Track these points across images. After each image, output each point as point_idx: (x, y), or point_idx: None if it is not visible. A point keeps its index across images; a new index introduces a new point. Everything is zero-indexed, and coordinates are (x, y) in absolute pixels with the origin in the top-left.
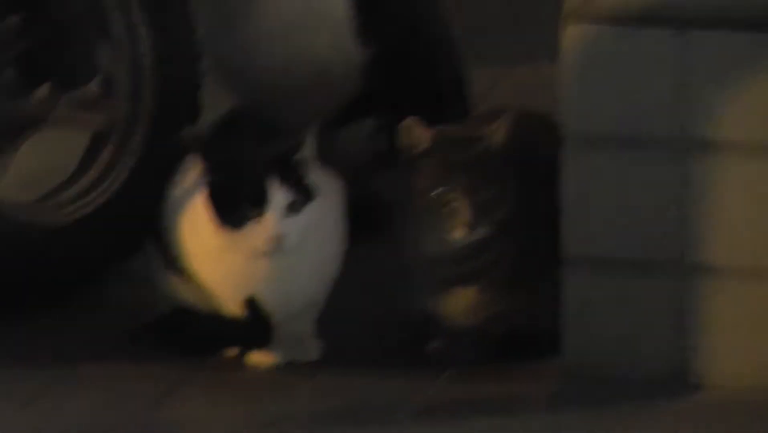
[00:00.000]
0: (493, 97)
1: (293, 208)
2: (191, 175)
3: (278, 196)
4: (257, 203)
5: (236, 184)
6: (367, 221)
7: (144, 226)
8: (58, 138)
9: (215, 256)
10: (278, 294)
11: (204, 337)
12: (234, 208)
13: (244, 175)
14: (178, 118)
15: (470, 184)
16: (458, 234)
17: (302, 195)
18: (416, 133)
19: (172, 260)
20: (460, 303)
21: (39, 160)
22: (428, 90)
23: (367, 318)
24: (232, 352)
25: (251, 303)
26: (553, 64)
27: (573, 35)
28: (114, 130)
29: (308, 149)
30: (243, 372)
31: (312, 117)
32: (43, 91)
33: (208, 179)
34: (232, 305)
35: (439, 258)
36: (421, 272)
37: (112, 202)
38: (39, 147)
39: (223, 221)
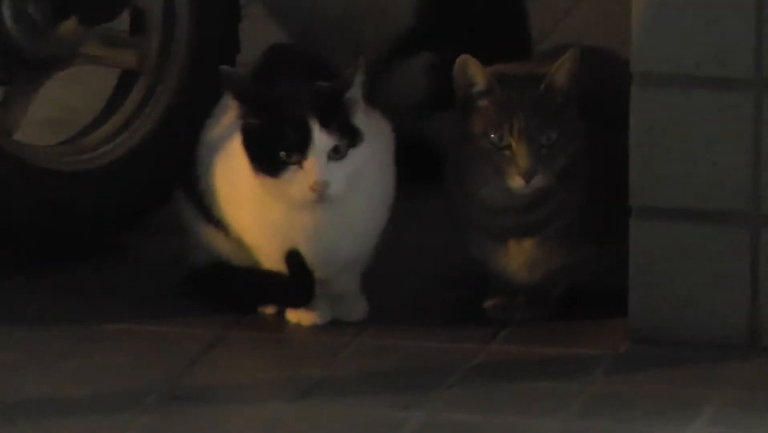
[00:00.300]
0: (558, 32)
1: (338, 152)
2: (228, 117)
3: (321, 139)
4: (299, 148)
5: (276, 127)
6: (418, 167)
7: (177, 172)
8: (84, 76)
9: (253, 206)
10: (321, 247)
11: (241, 293)
12: (273, 153)
13: (285, 117)
14: (215, 55)
15: (529, 129)
16: (515, 183)
17: (348, 138)
18: (472, 72)
19: (206, 211)
20: (518, 257)
21: (64, 101)
22: (486, 24)
23: (417, 273)
24: (271, 310)
25: (293, 257)
26: None
27: None
28: (144, 68)
29: (355, 88)
30: (282, 332)
31: (360, 52)
32: (68, 25)
33: (245, 122)
34: (271, 259)
35: (496, 208)
36: (477, 223)
37: (142, 147)
38: (64, 86)
39: (261, 168)
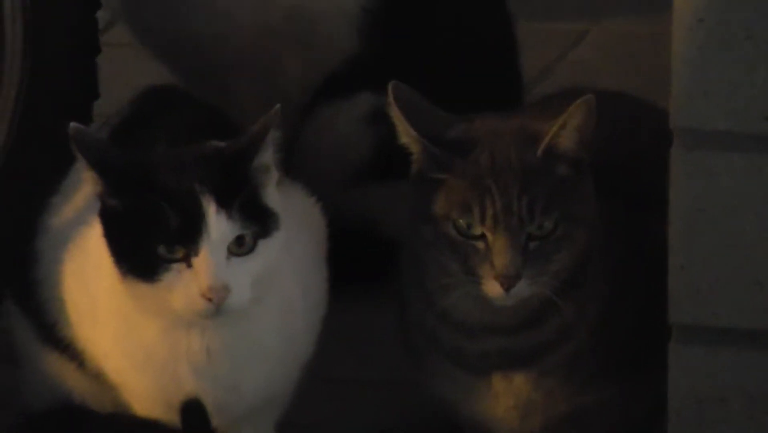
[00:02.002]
0: (560, 70)
1: (242, 245)
2: (81, 194)
3: (219, 225)
4: (185, 238)
5: (152, 210)
6: (360, 265)
7: (5, 275)
8: None
9: (118, 324)
10: (216, 385)
11: None
12: (148, 247)
13: (165, 195)
14: (61, 102)
15: (511, 213)
16: (491, 290)
17: (257, 225)
18: (392, 116)
19: (49, 331)
20: (505, 398)
21: None
22: (459, 54)
23: (356, 422)
24: None
25: (191, 408)
26: (660, 17)
27: None
28: None
29: (266, 151)
30: None
31: (278, 95)
32: None
33: (107, 202)
34: (144, 401)
35: (471, 326)
36: (443, 347)
37: None
38: None
39: (130, 269)
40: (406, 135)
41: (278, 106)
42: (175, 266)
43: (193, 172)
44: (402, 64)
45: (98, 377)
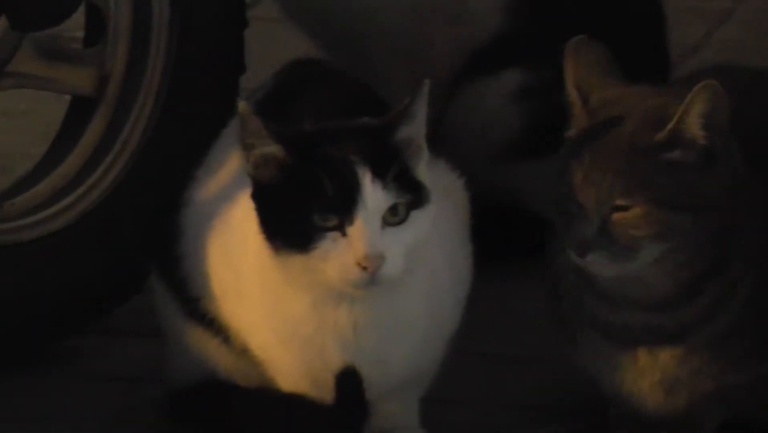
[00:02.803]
0: (709, 48)
1: (396, 215)
2: (229, 166)
3: (375, 195)
4: (341, 207)
5: (309, 179)
6: (507, 240)
7: (150, 249)
8: (17, 106)
9: (265, 298)
10: (364, 358)
11: (249, 428)
12: (301, 218)
13: (317, 166)
14: (209, 75)
15: (592, 186)
16: (570, 254)
17: (408, 196)
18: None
19: (193, 305)
20: (651, 373)
21: None
22: (606, 30)
23: (502, 398)
24: None
25: (347, 379)
26: None
27: None
28: (106, 94)
29: (416, 125)
30: None
31: (426, 72)
32: None
33: (257, 173)
34: (292, 377)
35: (612, 297)
36: (590, 318)
37: (100, 212)
38: None
39: (282, 240)
40: (567, 87)
41: (427, 80)
42: (330, 234)
43: (348, 143)
44: (550, 41)
45: (243, 353)
